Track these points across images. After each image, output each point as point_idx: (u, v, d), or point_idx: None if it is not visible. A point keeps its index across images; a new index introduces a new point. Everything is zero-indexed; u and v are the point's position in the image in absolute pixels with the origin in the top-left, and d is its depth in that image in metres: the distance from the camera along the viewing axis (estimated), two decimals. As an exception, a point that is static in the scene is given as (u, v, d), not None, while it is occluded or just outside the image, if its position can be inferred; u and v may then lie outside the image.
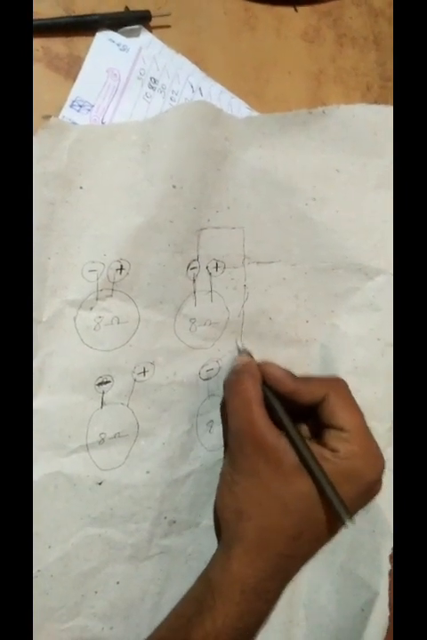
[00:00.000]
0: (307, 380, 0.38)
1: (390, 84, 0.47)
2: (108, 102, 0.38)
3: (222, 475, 0.38)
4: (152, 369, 0.38)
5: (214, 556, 0.37)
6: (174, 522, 0.39)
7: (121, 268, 0.36)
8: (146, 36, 0.39)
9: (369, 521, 0.44)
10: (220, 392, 0.41)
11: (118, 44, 0.38)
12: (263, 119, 0.41)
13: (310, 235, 0.42)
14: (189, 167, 0.37)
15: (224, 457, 0.40)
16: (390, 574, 0.44)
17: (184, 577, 0.38)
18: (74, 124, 0.36)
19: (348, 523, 0.32)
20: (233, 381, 0.38)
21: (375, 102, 0.45)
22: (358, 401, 0.37)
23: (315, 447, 0.35)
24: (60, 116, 0.36)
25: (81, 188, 0.35)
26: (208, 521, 0.40)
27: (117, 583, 0.37)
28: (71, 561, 0.36)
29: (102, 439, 0.36)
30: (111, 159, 0.36)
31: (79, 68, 0.37)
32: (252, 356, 0.40)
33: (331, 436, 0.35)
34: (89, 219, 0.36)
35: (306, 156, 0.42)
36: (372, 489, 0.36)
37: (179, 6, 0.41)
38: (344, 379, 0.38)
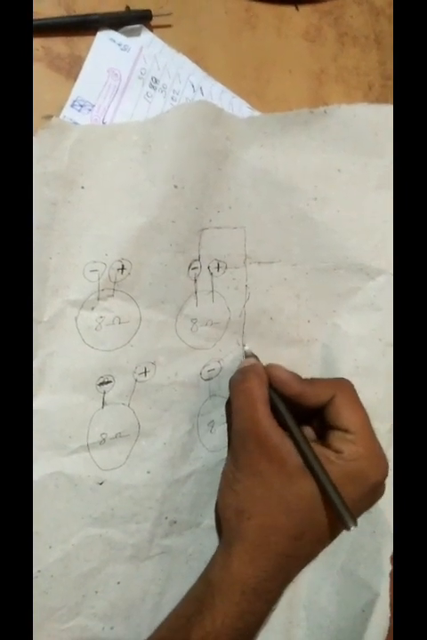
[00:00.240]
0: (313, 382, 0.38)
1: (392, 83, 0.47)
2: (109, 102, 0.38)
3: (224, 473, 0.38)
4: (153, 369, 0.38)
5: (215, 555, 0.37)
6: (175, 522, 0.39)
7: (122, 268, 0.36)
8: (147, 36, 0.39)
9: (370, 522, 0.44)
10: (221, 392, 0.41)
11: (119, 44, 0.38)
12: (264, 119, 0.41)
13: (311, 235, 0.42)
14: (191, 167, 0.37)
15: (227, 456, 0.40)
16: (390, 575, 0.44)
17: (185, 577, 0.38)
18: (75, 123, 0.36)
19: (351, 526, 0.31)
20: (238, 380, 0.38)
21: (377, 101, 0.45)
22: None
23: (319, 449, 0.34)
24: (61, 116, 0.36)
25: (82, 187, 0.35)
26: (209, 521, 0.40)
27: (118, 583, 0.37)
28: (72, 561, 0.36)
29: (103, 439, 0.36)
30: (112, 159, 0.36)
31: (80, 67, 0.37)
32: (258, 359, 0.40)
33: (336, 438, 0.35)
34: (90, 219, 0.36)
35: (307, 155, 0.42)
36: (376, 491, 0.36)
37: (180, 6, 0.40)
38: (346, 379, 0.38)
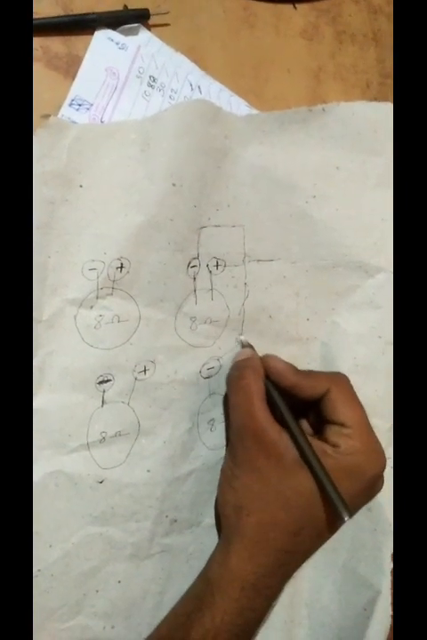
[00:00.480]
0: (309, 374, 0.38)
1: (390, 81, 0.47)
2: (107, 101, 0.38)
3: (223, 470, 0.38)
4: (153, 367, 0.38)
5: (214, 552, 0.37)
6: (175, 521, 0.39)
7: (121, 267, 0.36)
8: (145, 35, 0.39)
9: (371, 519, 0.44)
10: (221, 390, 0.41)
11: (117, 43, 0.38)
12: (263, 117, 0.41)
13: (310, 232, 0.42)
14: (189, 165, 0.37)
15: (225, 453, 0.40)
16: (392, 573, 0.44)
17: (185, 576, 0.38)
18: (73, 122, 0.36)
19: (346, 519, 0.31)
20: (235, 376, 0.38)
21: (375, 99, 0.45)
22: (360, 398, 0.37)
23: (316, 443, 0.34)
24: (60, 115, 0.36)
25: (81, 186, 0.35)
26: (210, 520, 0.40)
27: (119, 582, 0.37)
28: (72, 560, 0.35)
29: (103, 438, 0.36)
30: (111, 158, 0.36)
31: (78, 66, 0.37)
32: (254, 349, 0.40)
33: (332, 432, 0.35)
34: (89, 217, 0.36)
35: (306, 153, 0.42)
36: (374, 485, 0.36)
37: (178, 4, 0.41)
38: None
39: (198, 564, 0.38)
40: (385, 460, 0.35)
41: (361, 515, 0.36)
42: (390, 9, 0.48)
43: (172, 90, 0.40)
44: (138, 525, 0.37)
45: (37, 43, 0.36)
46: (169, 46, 0.40)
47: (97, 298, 0.36)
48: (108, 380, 0.36)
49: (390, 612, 0.43)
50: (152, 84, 0.39)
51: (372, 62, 0.47)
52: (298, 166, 0.41)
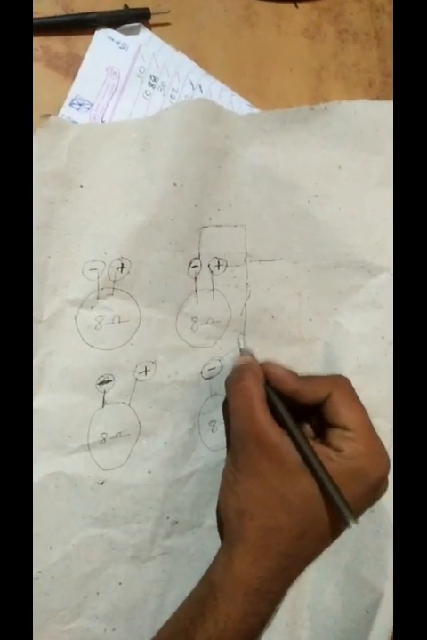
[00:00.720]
0: (310, 379, 0.37)
1: (392, 80, 0.47)
2: (108, 100, 0.37)
3: (224, 474, 0.38)
4: (154, 368, 0.38)
5: (217, 556, 0.37)
6: (177, 522, 0.39)
7: (122, 267, 0.36)
8: (145, 34, 0.39)
9: (374, 521, 0.43)
10: (222, 391, 0.40)
11: (118, 42, 0.38)
12: (264, 116, 0.40)
13: (312, 232, 0.42)
14: (190, 165, 0.37)
15: (226, 456, 0.40)
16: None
17: (187, 578, 0.38)
18: (73, 122, 0.36)
19: (352, 523, 0.31)
20: (234, 379, 0.37)
21: (377, 98, 0.44)
22: (363, 399, 0.36)
23: (319, 447, 0.34)
24: (60, 115, 0.36)
25: (81, 186, 0.35)
26: (211, 521, 0.40)
27: (120, 584, 0.37)
28: (73, 562, 0.35)
29: (104, 439, 0.36)
30: (111, 157, 0.36)
31: (78, 66, 0.37)
32: (253, 356, 0.40)
33: (335, 436, 0.35)
34: (89, 217, 0.35)
35: (308, 152, 0.41)
36: (378, 488, 0.35)
37: (178, 4, 0.40)
38: (348, 377, 0.38)
39: (200, 566, 0.38)
40: (389, 463, 0.35)
41: (364, 517, 0.35)
42: (391, 7, 0.48)
43: (173, 89, 0.40)
44: (139, 527, 0.37)
45: (37, 42, 0.36)
46: (170, 45, 0.40)
47: (97, 298, 0.36)
48: (108, 381, 0.36)
49: (392, 614, 0.43)
50: (153, 83, 0.39)
51: (374, 61, 0.47)
52: (300, 165, 0.41)
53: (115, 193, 0.36)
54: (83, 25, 0.37)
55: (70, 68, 0.37)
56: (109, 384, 0.36)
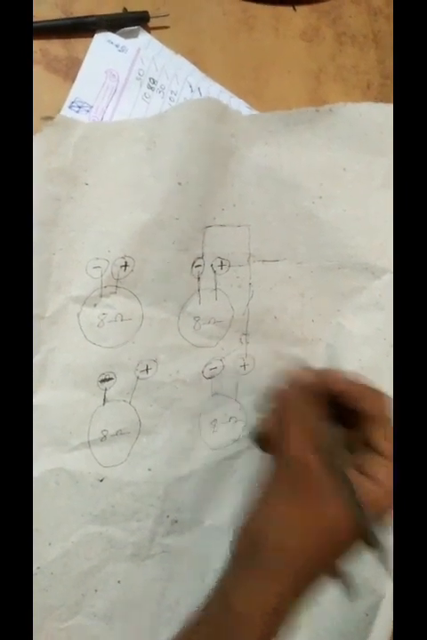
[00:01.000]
0: (358, 385, 0.35)
1: (391, 82, 0.47)
2: (107, 103, 0.38)
3: (260, 491, 0.35)
4: (155, 366, 0.38)
5: (231, 570, 0.34)
6: (176, 521, 0.38)
7: (125, 265, 0.36)
8: (144, 37, 0.40)
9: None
10: (223, 391, 0.40)
11: (117, 45, 0.38)
12: (269, 117, 0.41)
13: (316, 233, 0.42)
14: (195, 164, 0.37)
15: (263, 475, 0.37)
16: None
17: (186, 577, 0.38)
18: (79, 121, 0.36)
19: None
20: (283, 396, 0.36)
21: (376, 100, 0.45)
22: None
23: (352, 474, 0.32)
24: (60, 117, 0.37)
25: (86, 184, 0.36)
26: (211, 521, 0.40)
27: (118, 582, 0.37)
28: (71, 559, 0.35)
29: (104, 436, 0.36)
30: (117, 156, 0.36)
31: (78, 69, 0.37)
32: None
33: (369, 460, 0.33)
34: (94, 215, 0.36)
35: (312, 153, 0.42)
36: None
37: (177, 7, 0.41)
38: None
39: (199, 566, 0.38)
40: None
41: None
42: (389, 10, 0.48)
43: (172, 91, 0.40)
44: (139, 525, 0.37)
45: (37, 45, 0.37)
46: (169, 48, 0.40)
47: (101, 296, 0.36)
48: (110, 379, 0.36)
49: (392, 616, 0.42)
50: (152, 85, 0.39)
51: (372, 63, 0.47)
52: (304, 166, 0.41)
53: (120, 191, 0.36)
54: (82, 28, 0.38)
55: (70, 70, 0.37)
56: (111, 382, 0.36)
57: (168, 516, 0.38)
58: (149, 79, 0.39)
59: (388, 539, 0.31)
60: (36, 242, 0.34)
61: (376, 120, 0.43)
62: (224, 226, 0.39)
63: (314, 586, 0.34)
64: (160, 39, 0.40)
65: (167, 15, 0.40)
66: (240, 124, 0.40)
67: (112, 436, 0.36)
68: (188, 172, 0.37)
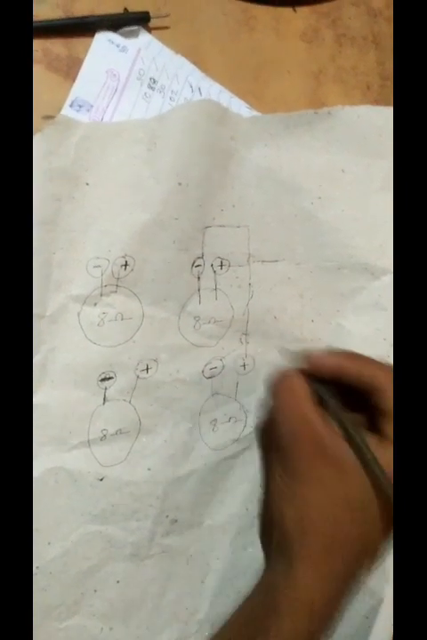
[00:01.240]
0: (351, 355, 0.35)
1: (390, 83, 0.47)
2: (108, 102, 0.38)
3: (273, 481, 0.34)
4: (155, 366, 0.38)
5: (273, 568, 0.33)
6: (176, 521, 0.38)
7: (126, 265, 0.36)
8: (145, 37, 0.40)
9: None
10: (223, 391, 0.40)
11: (117, 45, 0.39)
12: (269, 118, 0.41)
13: (316, 233, 0.42)
14: (195, 165, 0.38)
15: (268, 462, 0.37)
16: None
17: (185, 578, 0.38)
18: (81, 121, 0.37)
19: None
20: (279, 377, 0.34)
21: (375, 101, 0.45)
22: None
23: (371, 438, 0.31)
24: (60, 117, 0.37)
25: (87, 184, 0.36)
26: (211, 521, 0.40)
27: (117, 582, 0.36)
28: (71, 558, 0.35)
29: (104, 435, 0.36)
30: (118, 156, 0.36)
31: (78, 68, 0.37)
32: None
33: (387, 423, 0.31)
34: (95, 215, 0.36)
35: (311, 155, 0.42)
36: None
37: (178, 7, 0.41)
38: None
39: (198, 566, 0.38)
40: None
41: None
42: (389, 12, 0.48)
43: (172, 91, 0.40)
44: (138, 524, 0.37)
45: (38, 45, 0.37)
46: (169, 48, 0.40)
47: (101, 295, 0.36)
48: (110, 378, 0.36)
49: (392, 620, 0.42)
50: (152, 85, 0.39)
51: (372, 64, 0.47)
52: (303, 168, 0.42)
53: (120, 191, 0.36)
54: (83, 28, 0.38)
55: (70, 70, 0.37)
56: (111, 381, 0.36)
57: (167, 516, 0.38)
58: (150, 79, 0.39)
59: None
60: (36, 241, 0.34)
61: (375, 123, 0.43)
62: (224, 226, 0.40)
63: (363, 577, 0.32)
64: (161, 39, 0.40)
65: (168, 15, 0.40)
66: (240, 126, 0.40)
67: (112, 435, 0.36)
68: (188, 173, 0.37)
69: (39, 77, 0.37)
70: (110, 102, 0.38)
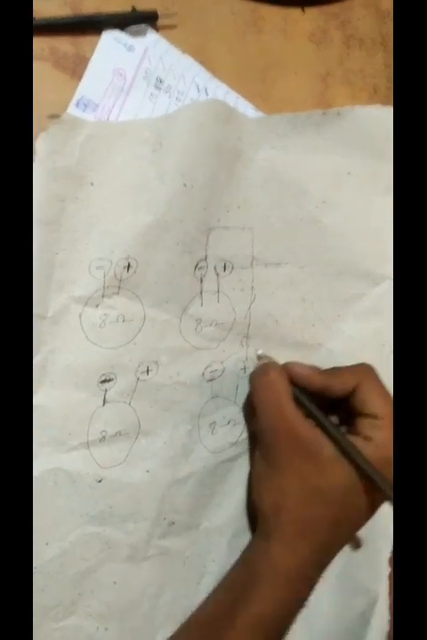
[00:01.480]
0: (335, 371, 0.37)
1: (398, 86, 0.47)
2: (114, 102, 0.38)
3: (255, 469, 0.38)
4: (156, 368, 0.38)
5: (253, 544, 0.37)
6: (173, 523, 0.38)
7: (128, 266, 0.36)
8: (152, 36, 0.39)
9: (368, 525, 0.43)
10: (223, 394, 0.40)
11: (124, 44, 0.38)
12: (276, 119, 0.40)
13: (319, 238, 0.42)
14: (201, 166, 0.37)
15: (253, 452, 0.40)
16: (389, 577, 0.44)
17: (182, 580, 0.38)
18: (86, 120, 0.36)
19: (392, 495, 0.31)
20: (260, 373, 0.38)
21: (382, 104, 0.44)
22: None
23: (349, 437, 0.34)
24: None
25: (92, 184, 0.35)
26: (208, 523, 0.40)
27: (114, 583, 0.37)
28: (68, 559, 0.35)
29: (103, 437, 0.36)
30: (123, 156, 0.36)
31: (85, 67, 0.37)
32: (272, 359, 0.40)
33: (364, 424, 0.35)
34: (98, 215, 0.36)
35: (318, 157, 0.41)
36: None
37: (186, 6, 0.40)
38: None
39: (195, 568, 0.38)
40: None
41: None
42: (399, 14, 0.48)
43: (178, 92, 0.40)
44: (136, 526, 0.37)
45: (45, 43, 0.36)
46: (177, 48, 0.40)
47: (103, 296, 0.36)
48: (110, 380, 0.36)
49: (387, 617, 0.43)
50: (159, 85, 0.39)
51: (380, 67, 0.47)
52: (309, 170, 0.41)
53: (125, 192, 0.36)
54: (90, 26, 0.37)
55: (77, 68, 0.37)
56: (111, 382, 0.36)
57: (165, 518, 0.38)
58: (156, 79, 0.39)
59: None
60: (39, 242, 0.34)
61: (384, 124, 0.42)
62: (228, 228, 0.39)
63: (336, 553, 0.36)
64: (168, 38, 0.39)
65: (176, 14, 0.39)
66: (247, 126, 0.39)
67: (111, 436, 0.36)
68: (193, 173, 0.37)
69: (45, 76, 0.36)
70: (116, 102, 0.38)
